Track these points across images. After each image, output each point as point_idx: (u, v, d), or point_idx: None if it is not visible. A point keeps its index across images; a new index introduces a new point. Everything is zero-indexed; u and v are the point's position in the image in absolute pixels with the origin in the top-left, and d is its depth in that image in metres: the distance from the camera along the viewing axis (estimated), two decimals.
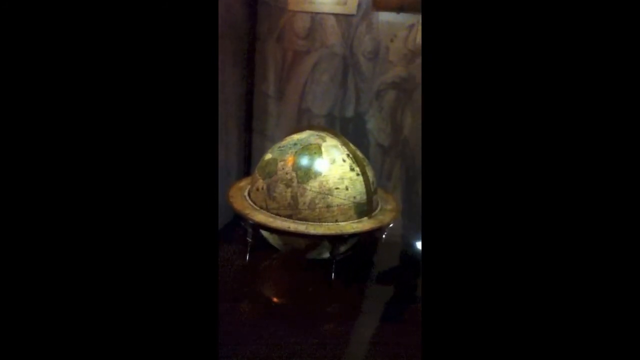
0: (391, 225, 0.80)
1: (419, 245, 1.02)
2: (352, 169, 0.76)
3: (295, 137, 0.81)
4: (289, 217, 0.73)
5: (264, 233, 0.78)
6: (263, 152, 1.14)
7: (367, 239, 0.80)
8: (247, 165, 1.12)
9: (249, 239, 0.78)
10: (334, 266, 0.77)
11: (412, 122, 1.00)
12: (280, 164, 0.75)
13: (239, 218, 0.76)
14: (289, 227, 0.71)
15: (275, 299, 0.79)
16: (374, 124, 1.04)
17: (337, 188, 0.73)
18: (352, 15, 0.98)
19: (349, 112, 1.05)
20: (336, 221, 0.74)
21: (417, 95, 0.98)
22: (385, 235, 0.84)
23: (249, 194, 0.81)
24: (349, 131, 1.05)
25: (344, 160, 0.76)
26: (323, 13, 0.99)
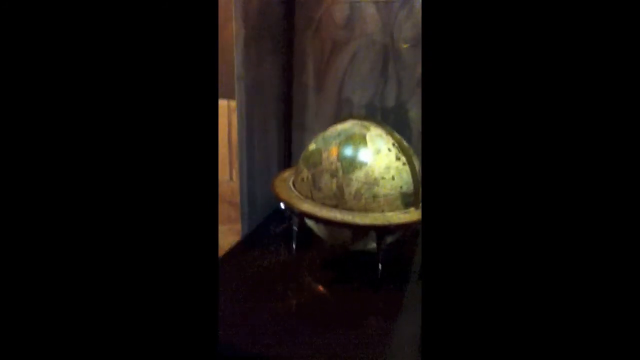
0: None
1: None
2: (397, 159, 0.74)
3: (339, 127, 0.80)
4: (335, 207, 0.72)
5: (310, 224, 0.78)
6: (302, 145, 1.15)
7: (414, 230, 0.78)
8: (287, 155, 1.13)
9: (295, 228, 0.78)
10: (380, 259, 0.75)
11: None
12: (324, 155, 0.74)
13: (283, 209, 0.77)
14: (336, 217, 0.70)
15: (321, 291, 0.79)
16: (416, 113, 1.01)
17: (383, 178, 0.72)
18: (392, 2, 0.95)
19: (390, 102, 1.03)
20: (382, 211, 0.72)
21: None
22: None
23: (293, 184, 0.81)
24: (391, 121, 1.03)
25: (389, 150, 0.74)
26: (362, 1, 0.97)
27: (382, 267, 0.76)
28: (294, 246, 0.77)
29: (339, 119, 1.06)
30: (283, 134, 1.10)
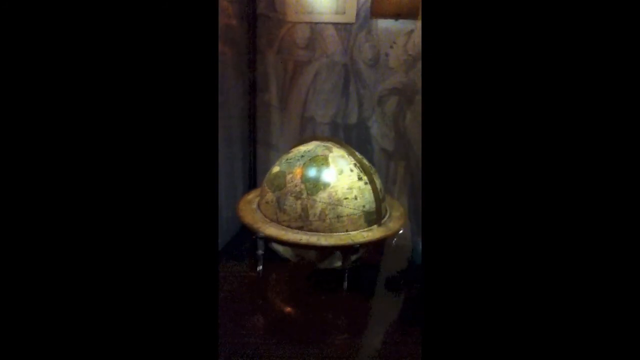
0: (401, 231, 0.81)
1: None
2: (359, 178, 0.77)
3: (302, 148, 0.81)
4: (300, 228, 0.74)
5: (275, 245, 0.79)
6: (268, 162, 1.15)
7: (379, 247, 0.81)
8: (252, 176, 1.13)
9: (261, 252, 0.78)
10: (346, 275, 0.77)
11: (414, 127, 1.01)
12: (288, 177, 0.76)
13: (249, 231, 0.77)
14: (301, 240, 0.71)
15: (288, 310, 0.80)
16: (377, 130, 1.05)
17: (346, 198, 0.74)
18: (351, 24, 0.98)
19: (352, 119, 1.06)
20: (347, 231, 0.74)
21: (418, 100, 0.98)
22: (395, 240, 0.85)
23: (258, 206, 0.82)
24: (353, 137, 1.06)
25: (351, 170, 0.77)
26: (322, 23, 1.00)
27: (347, 283, 0.78)
28: (259, 268, 0.78)
29: (303, 136, 1.08)
30: (248, 153, 1.10)
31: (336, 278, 0.79)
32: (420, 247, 1.03)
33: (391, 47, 0.98)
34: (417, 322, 0.77)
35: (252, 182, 1.13)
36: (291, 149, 0.86)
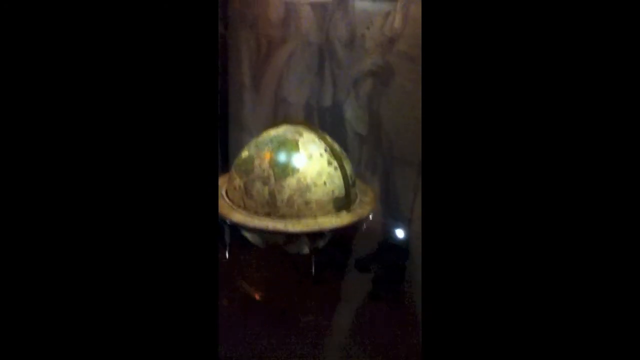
0: (370, 217, 0.81)
1: (398, 233, 1.04)
2: (329, 163, 0.76)
3: (272, 132, 0.79)
4: (268, 214, 0.73)
5: (244, 232, 0.78)
6: (240, 143, 1.13)
7: (347, 232, 0.81)
8: (224, 159, 1.11)
9: (227, 239, 0.77)
10: (314, 260, 0.77)
11: (389, 111, 1.00)
12: (257, 162, 0.74)
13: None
14: (267, 226, 0.70)
15: (255, 295, 0.79)
16: (352, 113, 1.03)
17: (315, 184, 0.73)
18: (327, 3, 0.95)
19: (327, 102, 1.04)
20: (315, 217, 0.74)
21: (394, 84, 0.97)
22: (365, 226, 0.85)
23: (226, 193, 0.80)
24: (327, 120, 1.04)
25: (321, 155, 0.75)
26: (297, 1, 0.96)
27: (315, 267, 0.78)
28: (227, 255, 0.77)
29: (276, 119, 1.06)
30: (220, 135, 1.07)
31: (305, 263, 0.79)
32: (390, 229, 1.04)
33: (368, 28, 0.95)
34: (382, 297, 0.78)
35: (224, 165, 1.11)
36: (262, 132, 0.84)
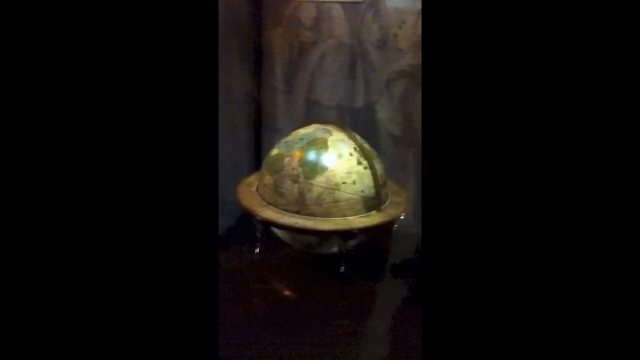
0: (402, 217, 0.79)
1: None
2: (359, 163, 0.75)
3: (302, 131, 0.80)
4: (297, 212, 0.73)
5: (274, 229, 0.78)
6: (273, 145, 1.14)
7: (379, 233, 0.79)
8: (257, 160, 1.13)
9: (258, 235, 0.78)
10: (343, 260, 0.76)
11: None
12: (286, 160, 0.75)
13: (248, 214, 0.77)
14: (297, 223, 0.71)
15: (286, 294, 0.80)
16: (385, 114, 1.02)
17: (344, 182, 0.72)
18: (359, 3, 0.95)
19: (359, 103, 1.03)
20: (344, 216, 0.73)
21: None
22: (397, 227, 0.83)
23: (257, 190, 0.81)
24: (359, 122, 1.04)
25: (350, 154, 0.75)
26: (329, 2, 0.97)
27: (346, 268, 0.77)
28: (257, 251, 0.78)
29: (308, 120, 1.07)
30: (253, 136, 1.10)
31: (334, 262, 0.78)
32: None
33: (400, 27, 0.94)
34: (418, 306, 0.76)
35: (257, 166, 1.13)
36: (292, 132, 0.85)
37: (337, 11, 0.97)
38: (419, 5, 0.90)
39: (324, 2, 0.97)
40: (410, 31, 0.93)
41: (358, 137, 0.78)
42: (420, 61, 0.94)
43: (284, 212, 0.74)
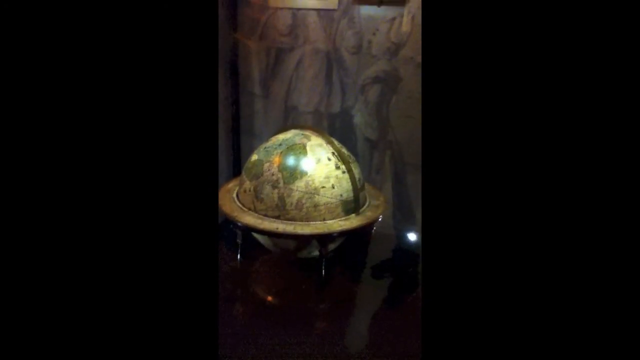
0: (379, 220, 0.81)
1: (411, 236, 1.03)
2: (337, 167, 0.76)
3: (281, 137, 0.81)
4: (277, 217, 0.74)
5: (255, 234, 0.79)
6: (252, 150, 1.15)
7: (357, 235, 0.81)
8: (236, 166, 1.13)
9: (239, 241, 0.78)
10: (324, 264, 0.78)
11: (397, 115, 1.00)
12: (266, 165, 0.75)
13: (228, 220, 0.77)
14: (277, 228, 0.71)
15: (268, 299, 0.80)
16: (361, 119, 1.04)
17: (323, 187, 0.74)
18: (333, 10, 0.97)
19: (336, 108, 1.05)
20: (324, 220, 0.74)
21: (402, 89, 0.98)
22: (375, 229, 0.85)
23: (237, 196, 0.82)
24: (336, 127, 1.06)
25: (329, 159, 0.76)
26: (304, 9, 0.98)
27: (326, 271, 0.78)
28: (238, 257, 0.78)
29: (286, 125, 1.08)
30: (231, 141, 1.10)
31: (317, 267, 0.79)
32: (403, 234, 1.04)
33: (374, 34, 0.96)
34: (396, 307, 0.78)
35: (235, 171, 1.13)
36: (271, 137, 0.85)
37: (313, 18, 0.99)
38: (392, 13, 0.93)
39: (300, 9, 0.99)
40: (383, 38, 0.96)
41: (336, 142, 0.80)
42: (393, 67, 0.96)
43: (264, 217, 0.74)
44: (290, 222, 0.73)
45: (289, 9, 0.99)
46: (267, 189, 0.74)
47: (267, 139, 0.92)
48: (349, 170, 0.77)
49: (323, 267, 0.78)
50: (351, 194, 0.77)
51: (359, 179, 0.80)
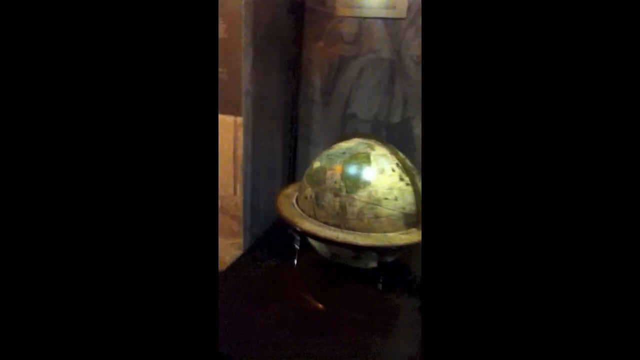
0: None
1: None
2: (401, 179, 0.74)
3: (344, 145, 0.80)
4: (337, 226, 0.73)
5: (311, 241, 0.78)
6: (307, 156, 1.15)
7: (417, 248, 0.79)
8: (291, 169, 1.13)
9: (297, 246, 0.78)
10: (381, 277, 0.75)
11: None
12: (328, 173, 0.75)
13: (286, 225, 0.77)
14: (337, 237, 0.70)
15: (320, 306, 0.79)
16: (422, 130, 1.02)
17: (386, 198, 0.72)
18: (401, 19, 0.96)
19: (396, 118, 1.03)
20: (384, 232, 0.72)
21: None
22: None
23: (296, 201, 0.82)
24: (395, 137, 1.04)
25: (393, 170, 0.75)
26: (371, 17, 0.98)
27: (382, 284, 0.76)
28: (295, 262, 0.78)
29: (344, 133, 1.07)
30: (288, 148, 1.11)
31: (371, 277, 0.77)
32: None
33: None
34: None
35: (291, 176, 1.13)
36: (332, 145, 0.85)
37: (379, 27, 0.98)
38: None
39: (366, 17, 0.98)
40: None
41: (400, 153, 0.78)
42: None
43: (324, 224, 0.73)
44: (350, 231, 0.72)
45: (356, 17, 0.99)
46: (329, 196, 0.73)
47: (325, 146, 0.92)
48: (413, 183, 0.75)
49: (381, 280, 0.75)
50: (414, 207, 0.74)
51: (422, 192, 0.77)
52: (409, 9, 0.94)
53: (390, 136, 1.04)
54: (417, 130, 1.02)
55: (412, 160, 0.98)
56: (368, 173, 0.73)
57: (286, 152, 1.10)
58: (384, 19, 0.97)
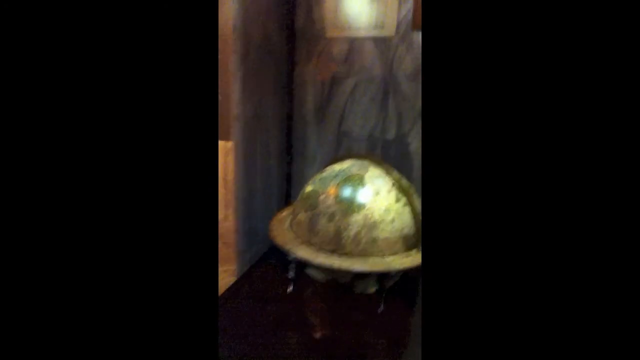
0: None
1: None
2: (397, 200, 0.72)
3: (337, 167, 0.78)
4: (333, 251, 0.70)
5: (307, 267, 0.76)
6: (303, 175, 1.14)
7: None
8: (287, 188, 1.11)
9: (292, 273, 0.75)
10: (383, 299, 0.73)
11: None
12: (321, 197, 0.73)
13: (281, 252, 0.75)
14: (333, 264, 0.68)
15: (319, 331, 0.76)
16: (417, 146, 1.00)
17: (382, 220, 0.70)
18: (390, 37, 0.95)
19: (390, 134, 1.02)
20: (383, 255, 0.70)
21: None
22: None
23: (290, 226, 0.79)
24: (391, 153, 1.02)
25: (388, 191, 0.72)
26: (361, 37, 0.97)
27: (384, 305, 0.73)
28: (290, 289, 0.75)
29: (338, 153, 1.06)
30: (283, 168, 1.09)
31: (371, 298, 0.74)
32: None
33: None
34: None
35: (287, 194, 1.11)
36: (326, 166, 0.83)
37: (369, 45, 0.97)
38: None
39: (356, 38, 0.98)
40: None
41: (395, 172, 0.76)
42: None
43: (320, 250, 0.71)
44: (347, 257, 0.69)
45: (346, 37, 0.98)
46: (323, 221, 0.71)
47: (320, 164, 0.90)
48: (410, 203, 0.72)
49: (382, 302, 0.72)
50: (412, 228, 0.72)
51: (421, 212, 0.75)
52: (398, 26, 0.93)
53: (385, 153, 1.02)
54: (413, 146, 1.00)
55: (408, 177, 0.96)
56: (363, 195, 0.71)
57: (282, 171, 1.09)
58: (374, 38, 0.96)
